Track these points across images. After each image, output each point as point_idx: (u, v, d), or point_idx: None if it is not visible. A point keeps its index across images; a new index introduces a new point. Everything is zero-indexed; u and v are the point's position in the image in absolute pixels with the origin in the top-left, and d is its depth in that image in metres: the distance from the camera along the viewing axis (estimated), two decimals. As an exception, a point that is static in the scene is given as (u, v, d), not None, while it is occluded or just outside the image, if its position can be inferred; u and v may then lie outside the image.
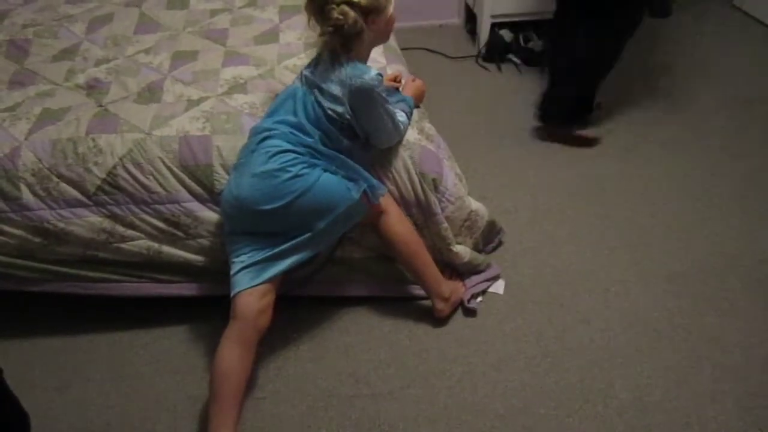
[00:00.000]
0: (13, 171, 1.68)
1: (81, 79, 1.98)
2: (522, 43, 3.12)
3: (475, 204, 1.94)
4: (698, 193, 2.32)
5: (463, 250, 1.90)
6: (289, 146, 1.55)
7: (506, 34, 3.14)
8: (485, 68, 3.12)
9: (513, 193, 2.35)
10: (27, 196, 1.69)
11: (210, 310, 1.82)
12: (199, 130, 1.74)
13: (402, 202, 1.80)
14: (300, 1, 1.59)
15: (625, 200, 2.30)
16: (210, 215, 1.75)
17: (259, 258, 1.57)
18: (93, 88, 1.93)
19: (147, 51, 2.11)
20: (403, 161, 1.78)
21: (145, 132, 1.73)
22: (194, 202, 1.74)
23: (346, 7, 1.49)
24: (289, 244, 1.58)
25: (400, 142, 1.77)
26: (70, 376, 1.77)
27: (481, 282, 1.95)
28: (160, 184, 1.71)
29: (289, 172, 1.53)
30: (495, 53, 3.13)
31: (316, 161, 1.58)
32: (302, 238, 1.59)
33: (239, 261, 1.58)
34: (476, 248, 2.01)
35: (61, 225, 1.71)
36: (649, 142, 2.59)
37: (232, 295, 1.57)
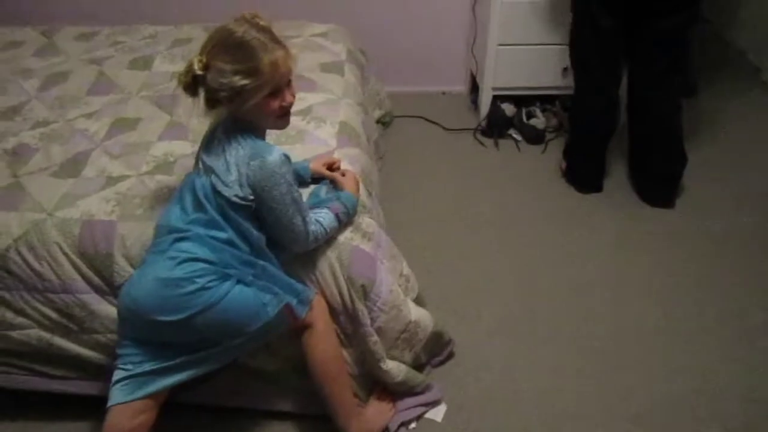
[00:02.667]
0: None
1: (10, 143, 1.86)
2: (524, 119, 2.90)
3: (416, 313, 1.71)
4: (691, 309, 2.03)
5: (395, 368, 1.66)
6: (203, 253, 1.37)
7: (508, 108, 2.92)
8: (482, 143, 2.90)
9: (480, 295, 2.10)
10: None
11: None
12: (106, 214, 1.58)
13: (328, 309, 1.58)
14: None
15: (612, 311, 2.02)
16: (107, 309, 1.57)
17: (144, 370, 1.40)
18: (17, 155, 1.80)
19: (89, 115, 1.99)
20: (329, 263, 1.57)
21: (47, 212, 1.58)
22: (91, 293, 1.57)
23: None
24: (183, 358, 1.41)
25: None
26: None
27: (416, 406, 1.71)
28: (54, 272, 1.55)
29: (195, 283, 1.35)
30: (494, 128, 2.91)
31: (229, 271, 1.39)
32: (201, 353, 1.42)
33: (122, 370, 1.41)
34: (417, 362, 1.77)
35: (-54, 309, 1.56)
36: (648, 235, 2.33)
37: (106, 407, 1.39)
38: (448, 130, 2.99)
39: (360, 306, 1.58)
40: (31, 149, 1.82)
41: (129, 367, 1.40)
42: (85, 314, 1.57)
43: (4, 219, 1.57)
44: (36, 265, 1.54)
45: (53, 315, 1.58)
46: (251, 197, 1.38)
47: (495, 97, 2.94)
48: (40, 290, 1.56)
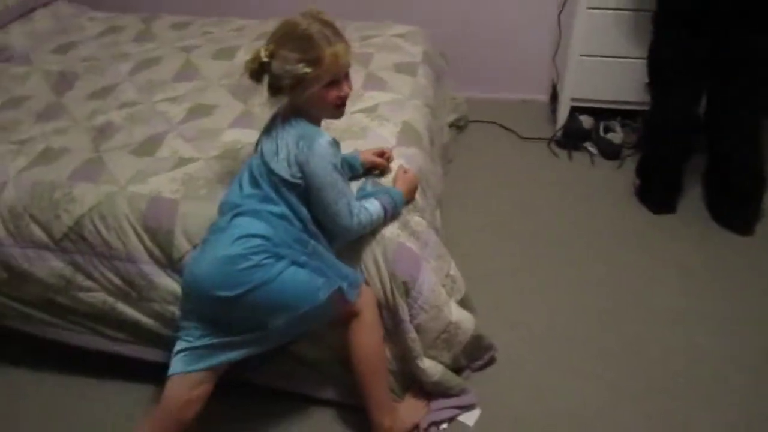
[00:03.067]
0: (-8, 205, 1.72)
1: (99, 120, 2.01)
2: (602, 133, 2.83)
3: (457, 315, 1.72)
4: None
5: (432, 367, 1.68)
6: (258, 229, 1.42)
7: (586, 120, 2.86)
8: (555, 154, 2.85)
9: (533, 306, 2.08)
10: (0, 231, 1.72)
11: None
12: (171, 193, 1.69)
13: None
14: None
15: (672, 337, 1.94)
16: (165, 281, 1.68)
17: (202, 344, 1.47)
18: (102, 132, 1.95)
19: (172, 99, 2.12)
20: (374, 257, 1.61)
21: (120, 186, 1.71)
22: (151, 264, 1.68)
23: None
24: (239, 336, 1.47)
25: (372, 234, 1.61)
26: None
27: (449, 408, 1.72)
28: (121, 242, 1.67)
29: (250, 260, 1.40)
30: (570, 139, 2.86)
31: (282, 251, 1.44)
32: (256, 333, 1.48)
33: (183, 341, 1.49)
34: (456, 365, 1.78)
35: (26, 265, 1.72)
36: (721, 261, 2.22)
37: (167, 375, 1.49)
38: (522, 138, 2.96)
39: (401, 302, 1.61)
40: (116, 127, 1.97)
41: (189, 339, 1.47)
42: (145, 283, 1.68)
43: (83, 189, 1.71)
44: (106, 233, 1.67)
45: (117, 281, 1.71)
46: (299, 176, 1.45)
47: (573, 109, 2.88)
48: (108, 257, 1.69)
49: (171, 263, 1.67)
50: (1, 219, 1.72)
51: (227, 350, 1.48)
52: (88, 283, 1.72)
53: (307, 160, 1.43)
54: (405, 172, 1.73)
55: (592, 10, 2.62)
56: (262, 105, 1.58)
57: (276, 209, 1.46)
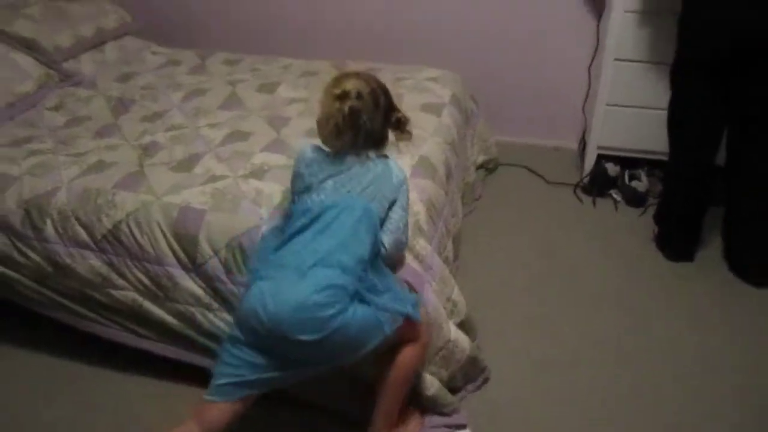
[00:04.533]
0: (45, 207, 1.93)
1: (146, 140, 2.23)
2: (627, 180, 2.89)
3: (456, 334, 1.82)
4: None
5: (429, 380, 1.77)
6: (343, 281, 1.46)
7: (611, 168, 2.93)
8: (580, 199, 2.92)
9: (535, 336, 2.15)
10: (49, 230, 1.93)
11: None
12: (200, 204, 1.86)
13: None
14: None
15: (674, 385, 1.97)
16: (188, 284, 1.84)
17: (256, 377, 1.49)
18: (148, 150, 2.16)
19: (213, 125, 2.32)
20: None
21: (156, 196, 1.90)
22: (177, 268, 1.85)
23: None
24: (296, 370, 1.51)
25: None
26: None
27: (440, 426, 1.79)
28: (152, 245, 1.85)
29: (333, 308, 1.43)
30: (595, 185, 2.93)
31: (352, 290, 1.48)
32: (314, 367, 1.53)
33: (231, 372, 1.49)
34: (453, 384, 1.86)
35: (68, 261, 1.92)
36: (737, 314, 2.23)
37: (204, 396, 1.51)
38: (549, 182, 3.04)
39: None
40: (160, 146, 2.18)
41: (240, 372, 1.48)
42: (171, 285, 1.85)
43: (123, 197, 1.90)
44: (139, 237, 1.86)
45: (146, 281, 1.88)
46: (387, 209, 1.61)
47: (600, 156, 2.96)
48: (139, 259, 1.87)
49: (195, 267, 1.83)
50: (51, 219, 1.93)
51: (279, 381, 1.53)
52: (121, 281, 1.90)
53: (396, 192, 1.62)
54: None
55: (619, 62, 2.72)
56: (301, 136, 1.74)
57: (356, 256, 1.50)
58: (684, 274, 2.44)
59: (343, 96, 1.56)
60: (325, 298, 1.42)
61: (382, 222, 1.61)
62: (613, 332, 2.17)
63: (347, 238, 1.51)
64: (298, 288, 1.44)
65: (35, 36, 2.69)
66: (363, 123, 1.58)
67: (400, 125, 1.69)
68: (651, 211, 2.76)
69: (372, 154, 1.64)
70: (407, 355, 1.61)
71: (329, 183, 1.59)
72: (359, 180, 1.59)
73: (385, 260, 1.64)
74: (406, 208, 1.67)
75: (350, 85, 1.58)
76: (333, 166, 1.61)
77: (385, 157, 1.66)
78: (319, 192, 1.58)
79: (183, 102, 2.52)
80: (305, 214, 1.56)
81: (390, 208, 1.62)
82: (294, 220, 1.58)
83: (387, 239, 1.62)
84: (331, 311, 1.42)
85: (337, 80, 1.61)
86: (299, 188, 1.63)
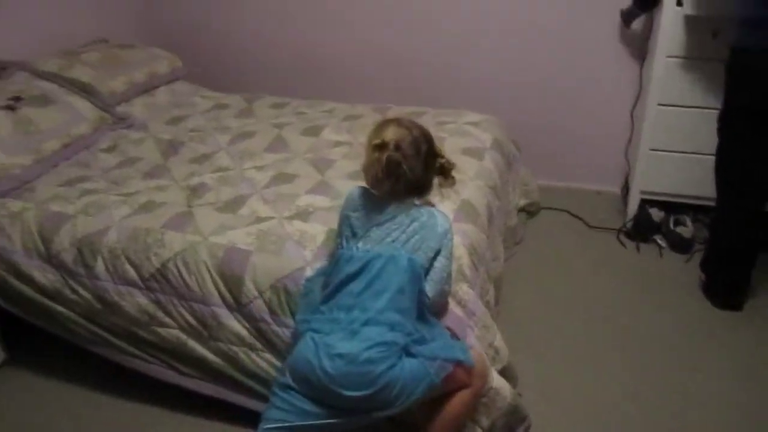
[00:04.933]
0: (97, 245, 1.99)
1: (194, 181, 2.29)
2: (671, 226, 2.84)
3: (498, 382, 1.79)
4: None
5: (471, 429, 1.75)
6: (393, 337, 1.50)
7: (656, 213, 2.89)
8: (623, 244, 2.88)
9: (579, 387, 2.10)
10: (100, 267, 1.98)
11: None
12: (246, 245, 1.90)
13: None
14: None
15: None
16: (233, 323, 1.87)
17: (303, 424, 1.53)
18: (195, 191, 2.22)
19: (260, 168, 2.38)
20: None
21: (203, 237, 1.94)
22: (222, 307, 1.88)
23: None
24: (345, 419, 1.54)
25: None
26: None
27: (481, 473, 1.76)
28: (198, 285, 1.89)
29: (384, 363, 1.48)
30: (639, 231, 2.89)
31: (403, 344, 1.52)
32: (364, 416, 1.54)
33: (281, 417, 1.54)
34: (493, 433, 1.83)
35: (117, 298, 1.96)
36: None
37: None
38: (591, 227, 3.01)
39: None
40: (208, 188, 2.24)
41: (291, 418, 1.53)
42: (215, 324, 1.88)
43: (171, 237, 1.95)
44: (186, 276, 1.89)
45: (191, 320, 1.91)
46: (432, 258, 1.62)
47: (643, 201, 2.93)
48: (186, 298, 1.91)
49: (239, 307, 1.86)
50: (102, 257, 1.98)
51: (328, 429, 1.55)
52: (167, 320, 1.94)
53: (441, 241, 1.62)
54: None
55: (662, 107, 2.71)
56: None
57: (402, 312, 1.54)
58: (732, 324, 2.37)
59: (383, 146, 1.59)
60: (377, 353, 1.47)
61: (427, 271, 1.61)
62: (656, 383, 2.11)
63: (394, 295, 1.54)
64: (351, 344, 1.49)
65: (92, 81, 2.81)
66: (403, 172, 1.59)
67: (444, 171, 1.71)
68: (697, 257, 2.71)
69: (417, 200, 1.65)
70: (456, 401, 1.63)
71: (374, 231, 1.61)
72: (403, 229, 1.60)
73: (428, 309, 1.64)
74: (450, 258, 1.67)
75: (390, 135, 1.60)
76: (378, 213, 1.63)
77: (431, 204, 1.67)
78: (366, 241, 1.60)
79: (230, 144, 2.59)
80: (350, 262, 1.59)
81: (434, 257, 1.62)
82: (340, 267, 1.61)
83: (430, 289, 1.62)
84: (381, 367, 1.47)
85: (378, 129, 1.65)
86: (346, 233, 1.66)
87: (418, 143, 1.63)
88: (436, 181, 1.73)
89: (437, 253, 1.63)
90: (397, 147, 1.59)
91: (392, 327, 1.51)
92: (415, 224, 1.61)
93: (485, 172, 2.39)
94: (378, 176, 1.60)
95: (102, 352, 2.08)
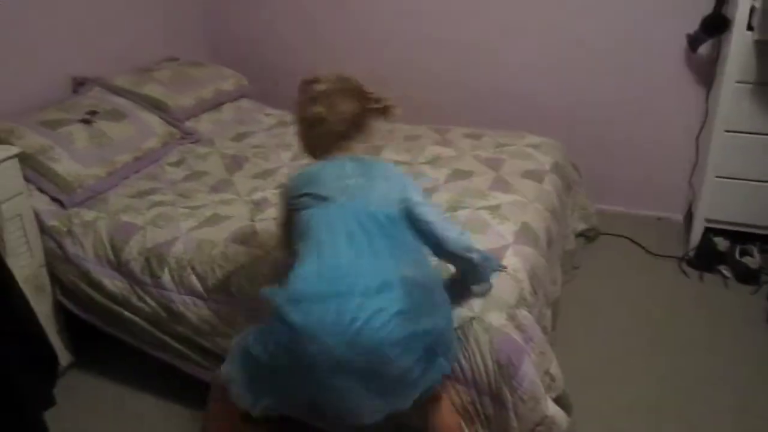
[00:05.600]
0: (164, 255, 2.06)
1: (257, 196, 2.35)
2: (737, 256, 2.76)
3: (553, 410, 1.76)
4: None
5: (526, 458, 1.73)
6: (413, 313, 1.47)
7: (721, 243, 2.81)
8: (685, 274, 2.81)
9: (632, 418, 2.05)
10: (166, 278, 2.05)
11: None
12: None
13: (473, 387, 1.73)
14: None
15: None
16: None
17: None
18: (258, 205, 2.27)
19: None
20: (479, 344, 1.71)
21: (264, 251, 1.99)
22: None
23: None
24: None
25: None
26: None
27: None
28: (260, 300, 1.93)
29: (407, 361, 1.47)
30: (703, 260, 2.81)
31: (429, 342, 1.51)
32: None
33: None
34: (548, 461, 1.80)
35: (182, 308, 2.02)
36: None
37: None
38: (651, 254, 2.95)
39: (504, 390, 1.69)
40: (270, 203, 2.29)
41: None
42: (274, 338, 1.91)
43: (236, 250, 2.01)
44: (248, 289, 1.93)
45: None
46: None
47: (708, 230, 2.85)
48: (248, 311, 1.95)
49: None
50: (168, 268, 2.05)
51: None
52: (228, 330, 1.98)
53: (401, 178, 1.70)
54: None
55: (729, 133, 2.65)
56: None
57: (411, 262, 1.56)
58: (803, 359, 2.28)
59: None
60: (402, 353, 1.44)
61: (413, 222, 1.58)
62: (719, 418, 2.04)
63: (394, 250, 1.51)
64: (379, 326, 1.40)
65: (162, 97, 2.93)
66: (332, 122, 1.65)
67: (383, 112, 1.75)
68: (765, 289, 2.62)
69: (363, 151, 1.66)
70: (443, 413, 1.64)
71: (340, 196, 1.58)
72: (368, 188, 1.58)
73: (456, 251, 1.64)
74: (427, 202, 1.65)
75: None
76: (338, 178, 1.61)
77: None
78: (337, 202, 1.57)
79: (292, 161, 2.65)
80: (330, 228, 1.53)
81: (406, 206, 1.58)
82: (317, 235, 1.54)
83: (447, 233, 1.60)
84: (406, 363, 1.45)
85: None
86: (306, 204, 1.62)
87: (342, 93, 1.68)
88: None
89: (405, 200, 1.58)
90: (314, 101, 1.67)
91: (407, 289, 1.47)
92: (377, 182, 1.60)
93: (545, 195, 2.37)
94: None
95: (161, 356, 2.14)
